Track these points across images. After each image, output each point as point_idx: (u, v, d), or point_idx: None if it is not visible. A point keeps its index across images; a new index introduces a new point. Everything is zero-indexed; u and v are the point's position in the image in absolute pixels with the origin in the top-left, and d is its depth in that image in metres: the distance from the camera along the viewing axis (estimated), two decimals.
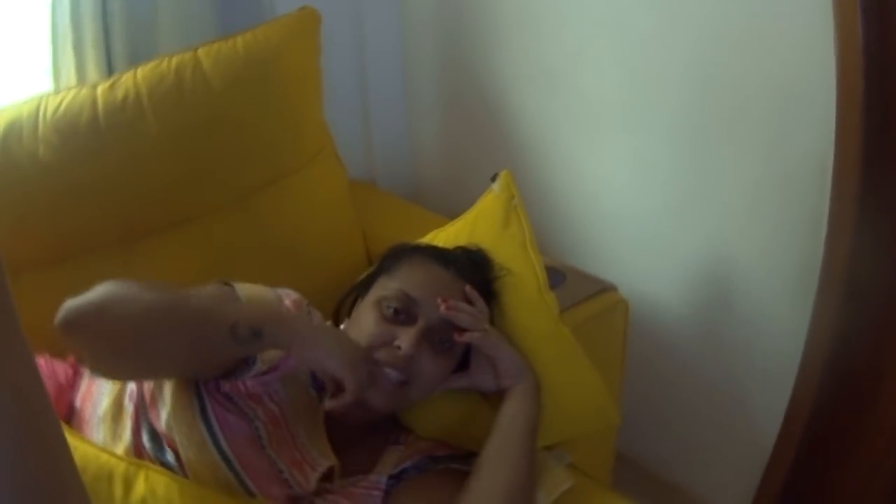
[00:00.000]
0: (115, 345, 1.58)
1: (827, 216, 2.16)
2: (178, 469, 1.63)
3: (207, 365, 1.69)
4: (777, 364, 2.45)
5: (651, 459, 2.99)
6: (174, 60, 2.34)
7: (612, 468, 2.53)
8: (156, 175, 2.30)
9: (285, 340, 1.64)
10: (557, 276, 2.25)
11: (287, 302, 1.90)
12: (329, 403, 1.69)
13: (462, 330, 1.78)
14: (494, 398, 1.86)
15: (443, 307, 1.76)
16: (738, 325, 2.52)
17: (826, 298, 2.26)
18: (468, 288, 1.86)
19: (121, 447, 1.69)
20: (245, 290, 1.86)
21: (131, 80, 2.29)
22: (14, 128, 2.15)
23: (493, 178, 2.09)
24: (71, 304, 1.55)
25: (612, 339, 2.31)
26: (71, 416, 1.85)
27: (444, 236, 2.16)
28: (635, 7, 2.43)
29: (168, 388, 1.71)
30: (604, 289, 2.30)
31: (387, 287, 1.85)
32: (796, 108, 2.16)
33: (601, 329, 2.27)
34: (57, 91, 2.30)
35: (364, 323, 1.81)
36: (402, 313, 1.79)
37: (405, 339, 1.74)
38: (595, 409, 1.95)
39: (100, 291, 1.59)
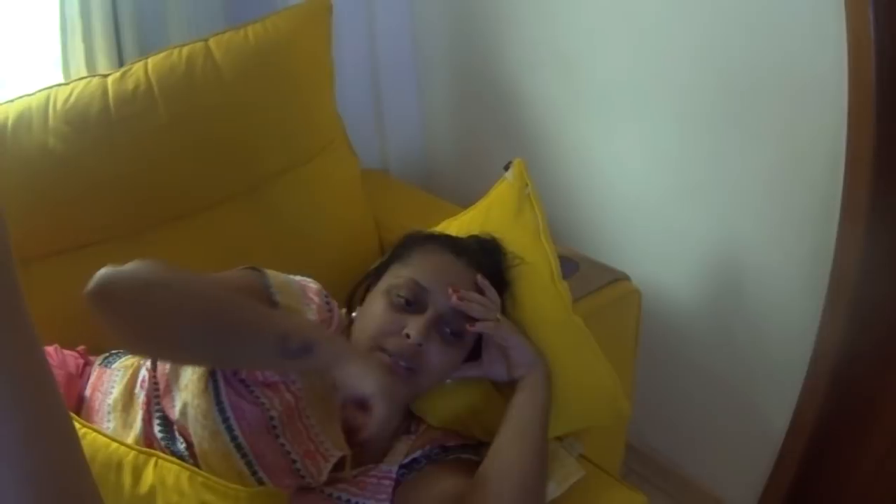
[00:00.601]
0: (149, 327, 1.56)
1: (839, 202, 2.16)
2: (189, 458, 1.64)
3: (238, 366, 1.70)
4: (789, 354, 2.45)
5: (661, 451, 2.99)
6: (185, 50, 2.34)
7: (622, 459, 2.53)
8: (167, 165, 2.30)
9: (330, 361, 1.62)
10: (570, 265, 2.25)
11: (310, 294, 1.90)
12: (363, 435, 1.64)
13: (473, 319, 1.78)
14: (506, 388, 1.85)
15: (453, 297, 1.76)
16: (749, 315, 2.52)
17: (839, 287, 2.25)
18: (479, 277, 1.85)
19: (131, 436, 1.70)
20: (274, 277, 1.85)
21: (142, 70, 2.29)
22: (23, 119, 2.16)
23: (507, 167, 2.08)
24: (111, 274, 1.54)
25: (624, 329, 2.31)
26: (80, 405, 1.85)
27: (458, 225, 2.15)
28: None
29: (184, 376, 1.72)
30: (616, 278, 2.30)
31: (398, 276, 1.85)
32: (808, 92, 2.15)
33: (614, 319, 2.27)
34: (67, 82, 2.30)
35: (374, 311, 1.81)
36: (412, 302, 1.79)
37: (414, 327, 1.73)
38: (606, 400, 1.94)
39: (144, 269, 1.58)
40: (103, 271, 1.54)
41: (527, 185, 2.03)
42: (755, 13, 2.19)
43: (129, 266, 1.57)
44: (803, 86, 2.15)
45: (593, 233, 2.83)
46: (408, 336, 1.73)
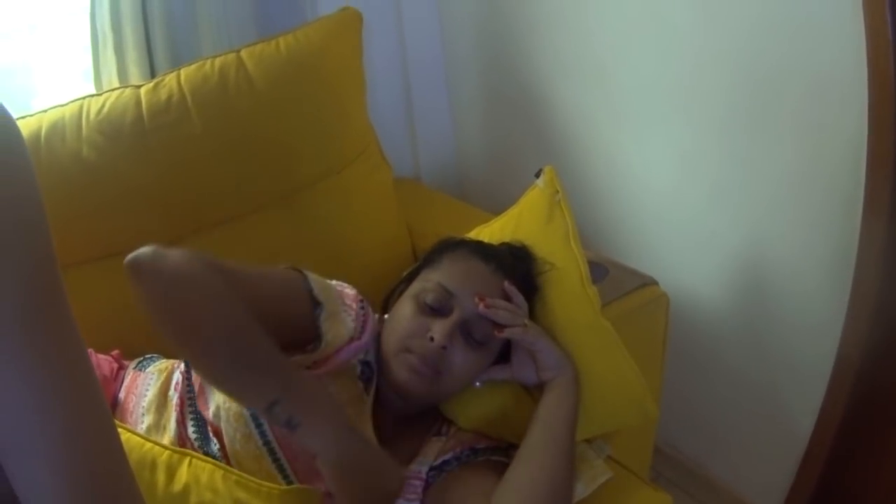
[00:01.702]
0: (169, 320, 1.56)
1: (862, 203, 2.17)
2: (222, 459, 1.66)
3: (231, 396, 1.70)
4: (815, 355, 2.45)
5: (687, 453, 2.99)
6: (217, 61, 2.37)
7: (650, 461, 2.54)
8: (201, 175, 2.33)
9: (314, 443, 1.55)
10: (600, 270, 2.26)
11: (347, 301, 1.91)
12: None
13: (500, 325, 1.80)
14: (536, 391, 1.87)
15: (480, 305, 1.78)
16: (775, 317, 2.52)
17: (862, 285, 2.25)
18: (507, 283, 1.87)
19: (165, 438, 1.72)
20: (315, 280, 1.86)
21: (175, 81, 2.32)
22: (57, 129, 2.19)
23: (538, 174, 2.10)
24: (151, 255, 1.57)
25: (652, 333, 2.31)
26: (114, 408, 1.87)
27: (489, 232, 2.17)
28: None
29: None
30: (645, 283, 2.30)
31: (426, 280, 1.87)
32: (830, 93, 2.16)
33: (642, 323, 2.27)
34: (99, 93, 2.33)
35: (402, 314, 1.83)
36: (439, 306, 1.81)
37: (438, 331, 1.76)
38: (634, 403, 1.95)
39: (184, 262, 1.59)
40: (146, 250, 1.57)
41: (557, 191, 2.05)
42: (778, 16, 2.19)
43: (173, 254, 1.59)
44: (825, 87, 2.15)
45: (622, 238, 2.84)
46: (432, 339, 1.75)
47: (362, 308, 1.91)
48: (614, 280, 2.30)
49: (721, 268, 2.60)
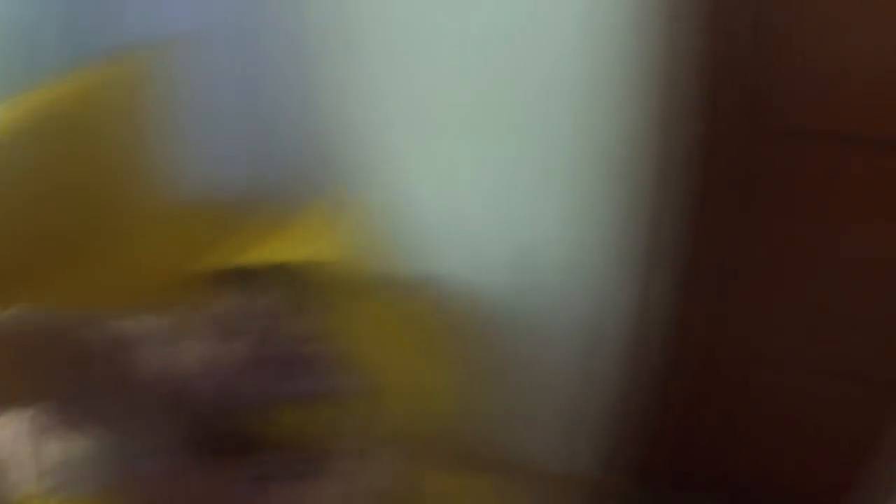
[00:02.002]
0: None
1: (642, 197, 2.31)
2: None
3: None
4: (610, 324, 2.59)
5: (505, 442, 3.05)
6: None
7: (467, 453, 2.57)
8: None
9: None
10: (380, 277, 2.30)
11: None
12: None
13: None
14: (340, 400, 1.91)
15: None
16: (553, 295, 2.65)
17: (656, 276, 2.43)
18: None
19: None
20: None
21: None
22: None
23: (320, 189, 2.13)
24: None
25: (436, 332, 2.37)
26: None
27: (265, 251, 2.19)
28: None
29: None
30: (424, 284, 2.39)
31: None
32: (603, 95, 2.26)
33: (423, 324, 2.34)
34: None
35: None
36: None
37: None
38: (430, 404, 2.01)
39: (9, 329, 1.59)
40: None
41: (337, 204, 2.08)
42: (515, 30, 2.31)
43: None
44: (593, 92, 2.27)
45: (407, 245, 2.89)
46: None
47: None
48: (394, 285, 2.36)
49: (502, 264, 2.66)
